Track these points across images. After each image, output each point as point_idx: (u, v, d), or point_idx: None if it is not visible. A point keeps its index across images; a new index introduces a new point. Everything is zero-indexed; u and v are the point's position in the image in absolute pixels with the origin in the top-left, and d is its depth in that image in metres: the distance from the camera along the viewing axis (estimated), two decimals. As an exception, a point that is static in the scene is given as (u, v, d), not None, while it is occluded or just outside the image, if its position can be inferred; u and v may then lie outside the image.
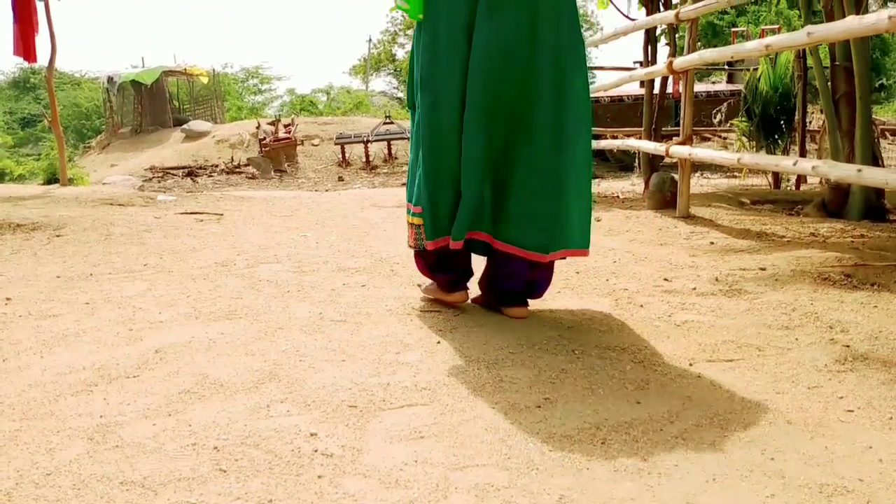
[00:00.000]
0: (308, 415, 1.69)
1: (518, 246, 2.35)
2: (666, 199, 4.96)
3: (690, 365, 2.03)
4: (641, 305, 2.59)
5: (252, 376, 1.92)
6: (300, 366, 2.00)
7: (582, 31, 2.45)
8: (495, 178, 2.36)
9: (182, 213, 5.08)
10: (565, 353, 2.11)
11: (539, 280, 2.48)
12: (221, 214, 5.06)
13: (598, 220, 4.61)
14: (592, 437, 1.58)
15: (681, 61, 4.42)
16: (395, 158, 14.22)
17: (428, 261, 2.50)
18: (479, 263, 2.54)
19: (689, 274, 3.06)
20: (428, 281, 2.63)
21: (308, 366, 2.00)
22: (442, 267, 2.48)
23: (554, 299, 2.70)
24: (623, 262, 3.33)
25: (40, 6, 7.13)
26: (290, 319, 2.43)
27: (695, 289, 2.81)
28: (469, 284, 2.53)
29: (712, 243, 3.82)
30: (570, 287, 2.87)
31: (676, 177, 4.95)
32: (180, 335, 2.26)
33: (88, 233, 4.09)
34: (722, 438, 1.58)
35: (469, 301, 2.55)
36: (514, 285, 2.45)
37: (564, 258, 2.51)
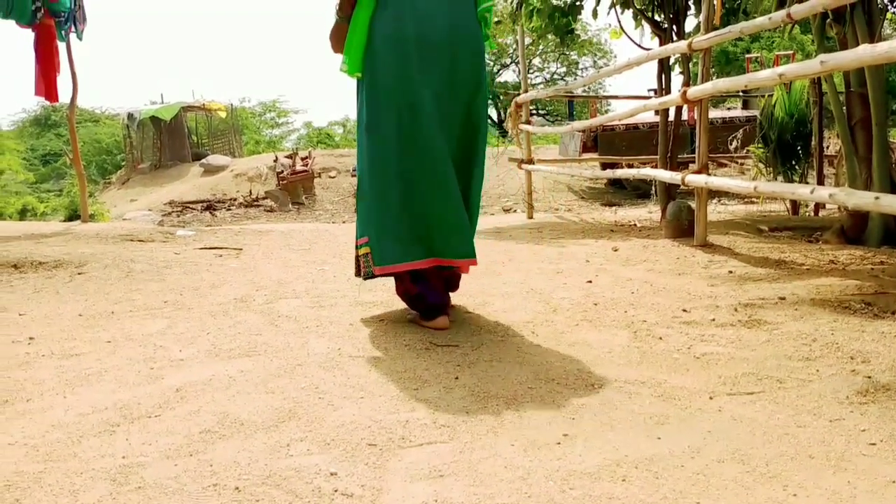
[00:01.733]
0: (328, 454, 1.69)
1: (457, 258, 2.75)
2: (683, 227, 4.95)
3: (711, 398, 2.02)
4: (660, 337, 2.58)
5: (272, 414, 1.93)
6: (319, 403, 2.01)
7: (487, 79, 2.91)
8: (436, 207, 2.69)
9: (201, 249, 5.13)
10: (584, 387, 2.11)
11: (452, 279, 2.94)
12: (241, 249, 5.10)
13: (616, 251, 4.62)
14: (613, 474, 1.57)
15: (695, 91, 4.43)
16: None
17: (408, 290, 2.81)
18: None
19: (708, 304, 3.05)
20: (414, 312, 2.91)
21: (327, 403, 2.01)
22: (416, 299, 2.80)
23: (572, 332, 2.70)
24: (641, 293, 3.32)
25: (61, 46, 7.28)
26: (308, 356, 2.45)
27: (714, 320, 2.80)
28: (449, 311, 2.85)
29: (731, 272, 3.80)
30: (588, 319, 2.87)
31: (693, 205, 4.95)
32: (201, 373, 2.27)
33: (110, 270, 4.13)
34: (744, 474, 1.56)
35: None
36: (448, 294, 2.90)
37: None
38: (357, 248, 2.84)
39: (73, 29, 7.24)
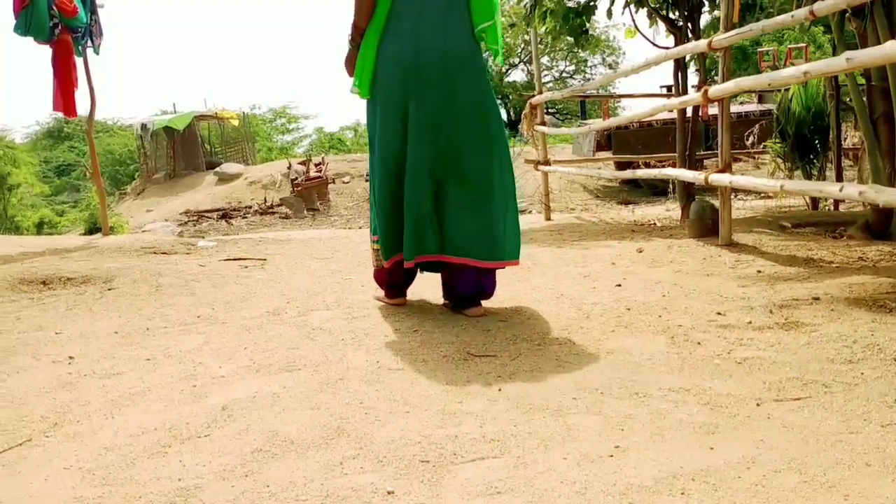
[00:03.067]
0: (382, 471, 1.70)
1: (468, 257, 3.01)
2: (707, 226, 4.93)
3: (758, 405, 2.01)
4: (699, 343, 2.58)
5: (321, 432, 1.94)
6: (366, 419, 2.02)
7: (492, 91, 3.14)
8: (434, 211, 3.00)
9: (226, 260, 5.15)
10: (629, 396, 2.11)
11: (486, 283, 3.13)
12: (264, 259, 5.12)
13: (641, 252, 4.61)
14: (671, 487, 1.57)
15: (716, 90, 4.41)
16: None
17: (381, 276, 3.29)
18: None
19: (742, 306, 3.04)
20: (381, 292, 3.39)
21: (374, 419, 2.02)
22: (389, 281, 3.26)
23: (608, 338, 2.70)
24: (673, 296, 3.31)
25: (78, 61, 7.33)
26: (348, 369, 2.46)
27: (750, 322, 2.79)
28: (408, 293, 3.33)
29: (759, 271, 3.79)
30: (624, 325, 2.87)
31: (716, 203, 4.93)
32: (244, 390, 2.29)
33: (139, 285, 4.16)
34: (802, 484, 1.56)
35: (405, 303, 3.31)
36: (469, 289, 3.10)
37: (504, 267, 3.14)
38: (372, 242, 3.26)
39: (89, 43, 7.30)
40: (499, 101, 33.39)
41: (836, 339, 2.52)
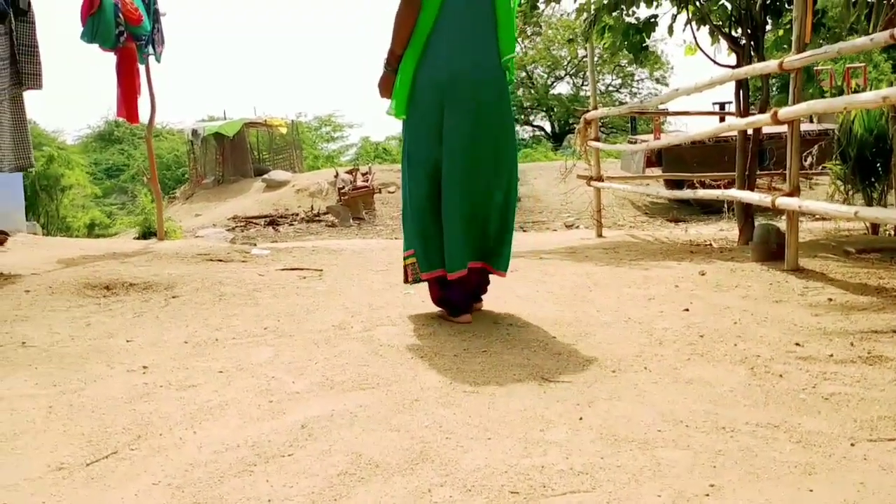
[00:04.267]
0: (472, 501, 1.67)
1: (495, 268, 3.40)
2: (772, 250, 4.84)
3: (852, 445, 1.95)
4: (781, 375, 2.51)
5: (404, 455, 1.92)
6: (447, 444, 1.99)
7: (512, 113, 3.47)
8: (473, 223, 3.26)
9: (284, 270, 5.19)
10: (716, 430, 2.06)
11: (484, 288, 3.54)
12: (321, 270, 5.14)
13: (703, 274, 4.53)
14: (775, 532, 1.52)
15: (787, 112, 4.33)
16: (519, 200, 14.38)
17: (435, 294, 3.44)
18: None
19: (821, 337, 2.96)
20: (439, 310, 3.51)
21: (456, 444, 1.99)
22: (446, 300, 3.40)
23: (685, 367, 2.64)
24: (745, 324, 3.24)
25: (141, 69, 7.47)
26: (422, 390, 2.44)
27: (832, 356, 2.71)
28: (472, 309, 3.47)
29: (831, 300, 3.69)
30: (699, 353, 2.81)
31: (781, 226, 4.83)
32: (321, 408, 2.28)
33: (201, 293, 4.20)
34: (914, 535, 1.50)
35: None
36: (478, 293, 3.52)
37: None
38: (405, 258, 3.42)
39: (151, 51, 7.44)
40: (542, 114, 33.36)
41: (925, 377, 2.44)
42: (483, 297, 3.57)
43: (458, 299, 3.35)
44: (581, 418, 2.17)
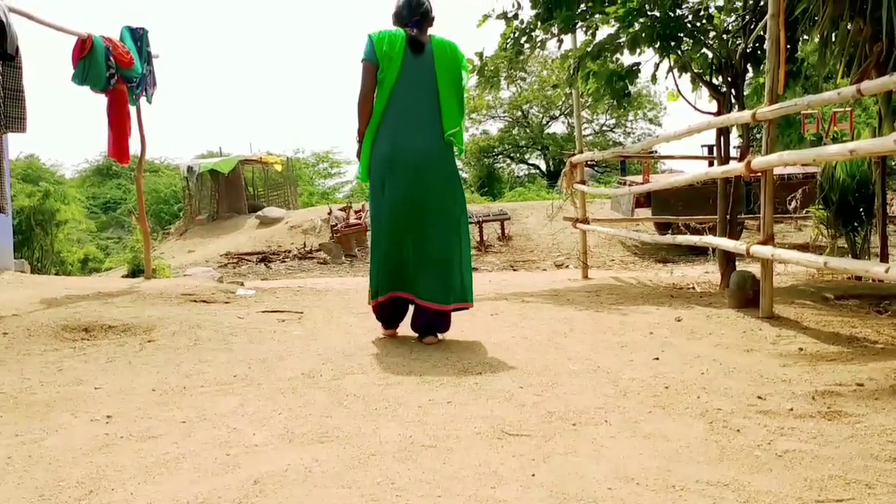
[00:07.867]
0: (411, 563, 1.68)
1: (428, 301, 3.98)
2: (748, 297, 4.87)
3: (798, 506, 1.96)
4: (738, 430, 2.52)
5: (351, 514, 1.93)
6: (397, 502, 2.00)
7: (457, 174, 4.24)
8: (406, 263, 4.00)
9: (264, 312, 5.21)
10: (665, 489, 2.06)
11: (441, 322, 4.08)
12: (301, 313, 5.16)
13: (679, 321, 4.55)
14: None
15: (760, 162, 4.39)
16: (510, 238, 14.51)
17: (376, 314, 4.26)
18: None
19: (784, 390, 2.98)
20: (379, 325, 4.32)
21: (405, 502, 2.00)
22: (383, 316, 4.24)
23: (646, 420, 2.66)
24: (712, 374, 3.26)
25: (132, 110, 7.54)
26: (381, 444, 2.45)
27: (792, 410, 2.73)
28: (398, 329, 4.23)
29: (801, 349, 3.72)
30: (661, 405, 2.82)
31: (757, 274, 4.87)
32: (276, 462, 2.29)
33: (178, 337, 4.22)
34: None
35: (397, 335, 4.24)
36: (427, 323, 4.07)
37: (457, 310, 4.10)
38: (369, 288, 4.20)
39: (143, 93, 7.53)
40: (538, 152, 33.64)
41: (880, 433, 2.45)
42: (441, 334, 4.10)
43: (385, 317, 4.21)
44: (534, 475, 2.17)
